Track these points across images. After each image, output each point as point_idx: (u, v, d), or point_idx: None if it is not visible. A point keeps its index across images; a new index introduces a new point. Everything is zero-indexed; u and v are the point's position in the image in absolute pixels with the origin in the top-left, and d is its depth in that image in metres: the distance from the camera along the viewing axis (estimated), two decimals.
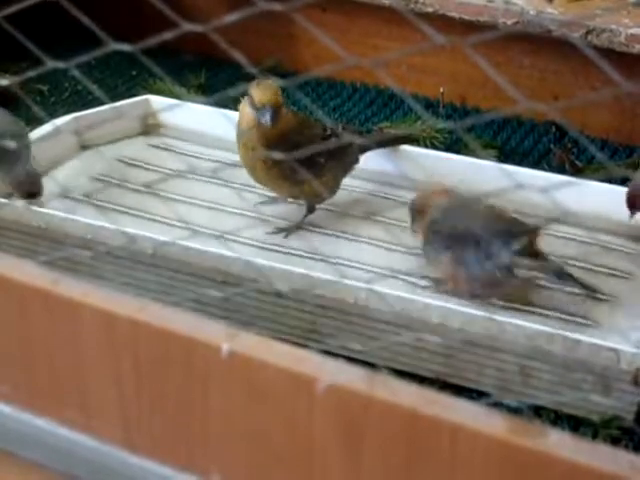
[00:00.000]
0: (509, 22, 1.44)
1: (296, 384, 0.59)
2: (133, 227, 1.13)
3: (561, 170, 1.37)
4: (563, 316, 1.06)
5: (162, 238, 1.08)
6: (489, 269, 1.04)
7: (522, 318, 1.01)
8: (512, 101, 0.59)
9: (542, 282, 1.11)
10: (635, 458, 0.53)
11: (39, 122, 1.36)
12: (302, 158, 1.00)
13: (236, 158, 1.23)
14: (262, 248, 1.17)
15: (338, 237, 1.20)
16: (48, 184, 1.19)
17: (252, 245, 1.17)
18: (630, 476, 0.52)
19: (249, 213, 1.22)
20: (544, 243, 1.18)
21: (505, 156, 1.42)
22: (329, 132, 1.19)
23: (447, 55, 1.54)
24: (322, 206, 1.24)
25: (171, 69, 1.59)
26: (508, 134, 1.50)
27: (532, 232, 1.05)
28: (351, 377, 0.58)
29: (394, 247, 1.16)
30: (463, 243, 1.05)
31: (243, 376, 0.61)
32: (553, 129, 1.48)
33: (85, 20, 0.72)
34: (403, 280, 1.10)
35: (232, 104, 1.51)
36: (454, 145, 1.41)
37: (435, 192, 1.13)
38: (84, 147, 1.35)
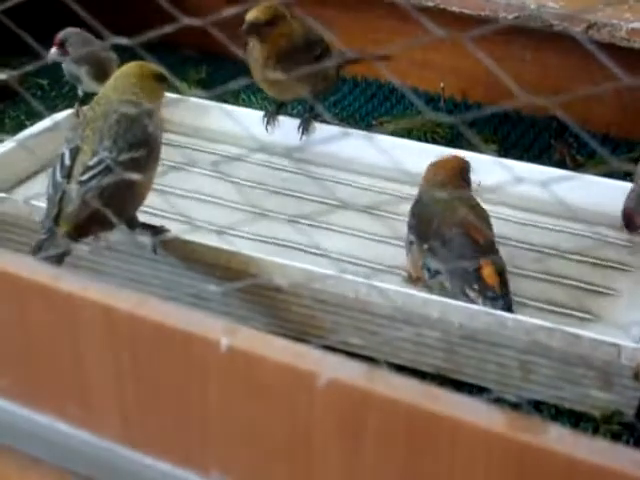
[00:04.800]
0: (510, 16, 1.44)
1: (296, 379, 0.59)
2: None
3: (562, 165, 1.37)
4: (564, 310, 1.06)
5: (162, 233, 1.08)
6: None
7: (522, 313, 1.01)
8: (513, 96, 0.59)
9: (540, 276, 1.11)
10: (636, 453, 0.53)
11: (39, 117, 1.36)
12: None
13: (236, 152, 1.23)
14: (262, 242, 1.17)
15: (339, 232, 1.20)
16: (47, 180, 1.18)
17: (252, 239, 1.17)
18: (631, 472, 0.51)
19: (249, 207, 1.22)
20: (546, 238, 1.18)
21: (506, 151, 1.42)
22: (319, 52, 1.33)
23: (448, 50, 1.54)
24: (323, 200, 1.24)
25: (172, 64, 1.58)
26: (509, 129, 1.49)
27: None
28: (351, 372, 0.58)
29: (395, 242, 1.16)
30: (430, 243, 1.06)
31: (242, 371, 0.61)
32: (554, 124, 1.48)
33: (85, 15, 0.72)
34: (403, 275, 1.11)
35: (232, 99, 1.51)
36: (455, 140, 1.41)
37: (443, 164, 1.15)
38: None
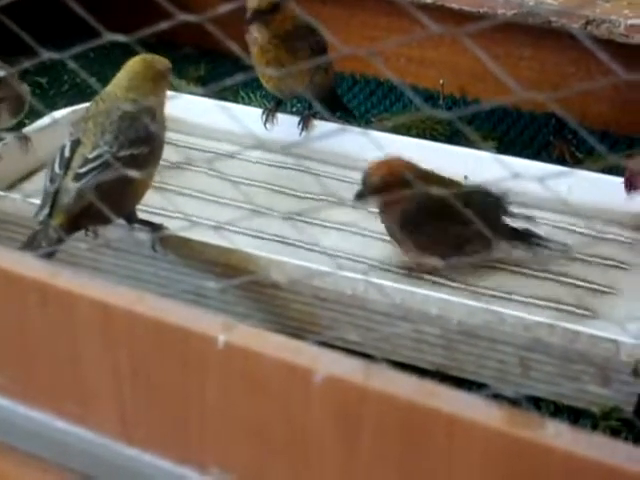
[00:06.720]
0: (509, 13, 1.44)
1: (293, 375, 0.59)
2: None
3: (561, 162, 1.37)
4: (563, 307, 1.06)
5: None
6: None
7: (521, 310, 1.01)
8: (512, 93, 0.59)
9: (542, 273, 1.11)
10: (634, 450, 0.53)
11: (38, 115, 1.36)
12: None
13: (235, 149, 1.23)
14: (260, 239, 1.16)
15: (337, 229, 1.20)
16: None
17: (250, 236, 1.17)
18: (629, 468, 0.51)
19: (247, 204, 1.22)
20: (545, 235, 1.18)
21: (505, 147, 1.42)
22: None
23: (446, 47, 1.54)
24: (322, 197, 1.24)
25: (171, 62, 1.59)
26: (508, 125, 1.49)
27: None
28: (348, 368, 0.58)
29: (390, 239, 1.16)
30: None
31: (239, 368, 0.61)
32: (553, 121, 1.48)
33: (84, 14, 0.72)
34: (401, 272, 1.10)
35: (230, 96, 1.51)
36: (454, 137, 1.41)
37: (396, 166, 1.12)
38: None
